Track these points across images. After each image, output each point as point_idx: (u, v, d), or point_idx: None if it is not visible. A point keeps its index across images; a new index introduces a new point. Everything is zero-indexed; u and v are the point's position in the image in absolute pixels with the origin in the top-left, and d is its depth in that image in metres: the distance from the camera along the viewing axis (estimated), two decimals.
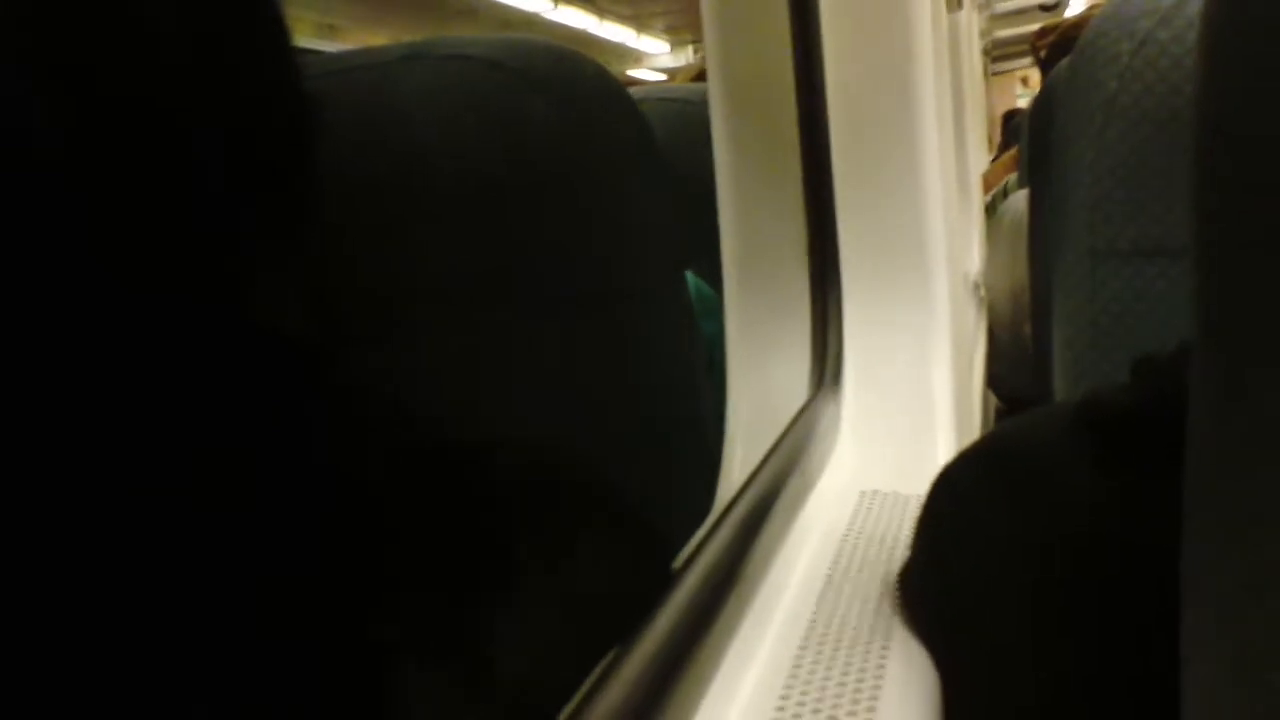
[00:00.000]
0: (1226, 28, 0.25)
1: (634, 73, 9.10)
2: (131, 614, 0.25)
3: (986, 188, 2.76)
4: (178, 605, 0.26)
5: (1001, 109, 3.78)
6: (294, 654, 0.29)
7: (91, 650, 0.24)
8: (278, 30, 0.32)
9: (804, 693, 0.44)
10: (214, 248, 0.30)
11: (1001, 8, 4.86)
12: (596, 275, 0.62)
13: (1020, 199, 1.84)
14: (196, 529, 0.27)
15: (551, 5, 8.22)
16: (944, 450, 0.79)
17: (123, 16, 0.27)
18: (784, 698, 0.44)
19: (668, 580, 0.46)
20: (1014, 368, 1.90)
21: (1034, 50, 2.50)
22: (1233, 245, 0.25)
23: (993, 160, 3.24)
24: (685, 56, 10.65)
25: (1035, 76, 2.60)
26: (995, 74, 5.32)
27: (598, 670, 0.38)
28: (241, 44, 0.31)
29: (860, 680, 0.45)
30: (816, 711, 0.43)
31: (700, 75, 1.77)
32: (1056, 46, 2.11)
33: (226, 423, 0.29)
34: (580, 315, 0.62)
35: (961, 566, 0.48)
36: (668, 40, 10.92)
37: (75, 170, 0.25)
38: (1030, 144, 1.77)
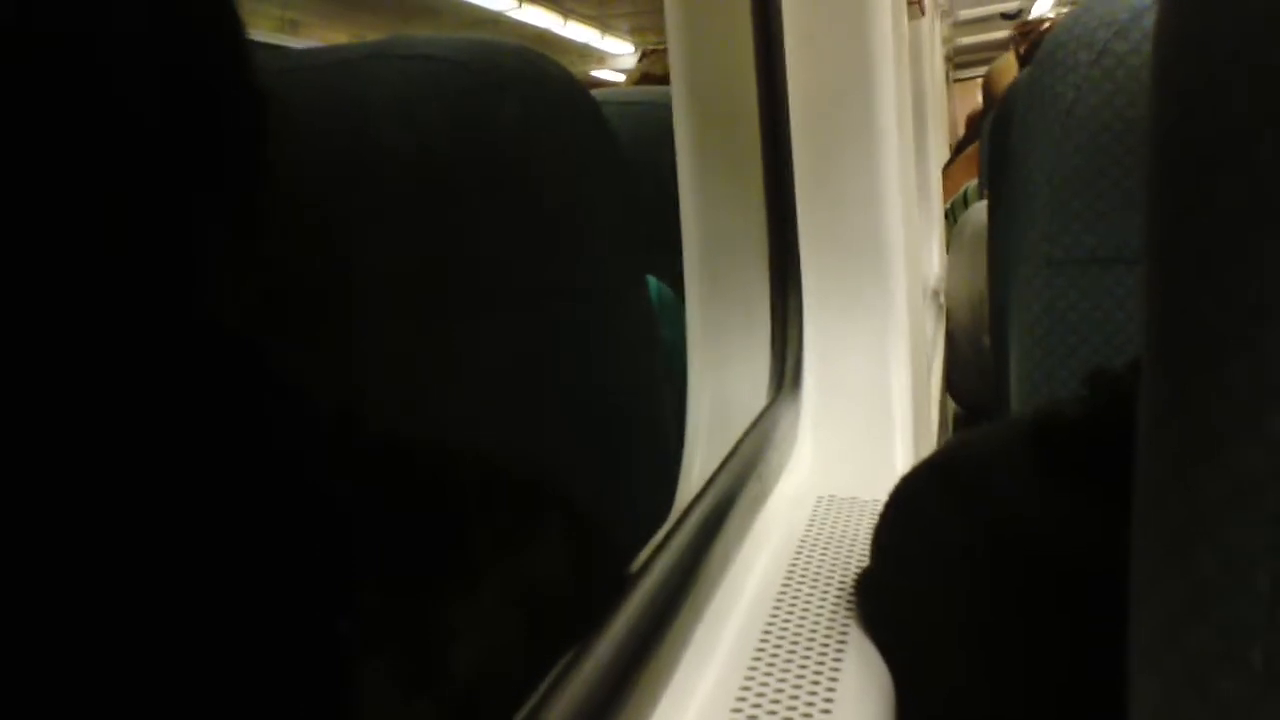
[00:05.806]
0: (1179, 40, 0.25)
1: (598, 73, 9.08)
2: (80, 605, 0.25)
3: (946, 191, 2.76)
4: (136, 600, 0.26)
5: (964, 115, 3.76)
6: (244, 649, 0.29)
7: (37, 641, 0.24)
8: (231, 23, 0.32)
9: (760, 694, 0.44)
10: (164, 245, 0.29)
11: (964, 15, 4.90)
12: (558, 276, 0.62)
13: (981, 209, 1.86)
14: (144, 526, 0.27)
15: (516, 4, 8.18)
16: (901, 456, 0.80)
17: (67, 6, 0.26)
18: (740, 699, 0.44)
19: (625, 582, 0.46)
20: (974, 376, 1.92)
21: (1015, 48, 2.54)
22: (1185, 256, 0.25)
23: (948, 164, 3.12)
24: None
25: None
26: (958, 80, 5.36)
27: (554, 671, 0.38)
28: (193, 36, 0.31)
29: (815, 684, 0.45)
30: (772, 714, 0.43)
31: (644, 78, 1.75)
32: (1036, 46, 2.13)
33: (180, 421, 0.28)
34: (541, 316, 0.62)
35: (915, 578, 0.48)
36: (632, 41, 10.92)
37: (13, 165, 0.25)
38: (990, 153, 1.78)
